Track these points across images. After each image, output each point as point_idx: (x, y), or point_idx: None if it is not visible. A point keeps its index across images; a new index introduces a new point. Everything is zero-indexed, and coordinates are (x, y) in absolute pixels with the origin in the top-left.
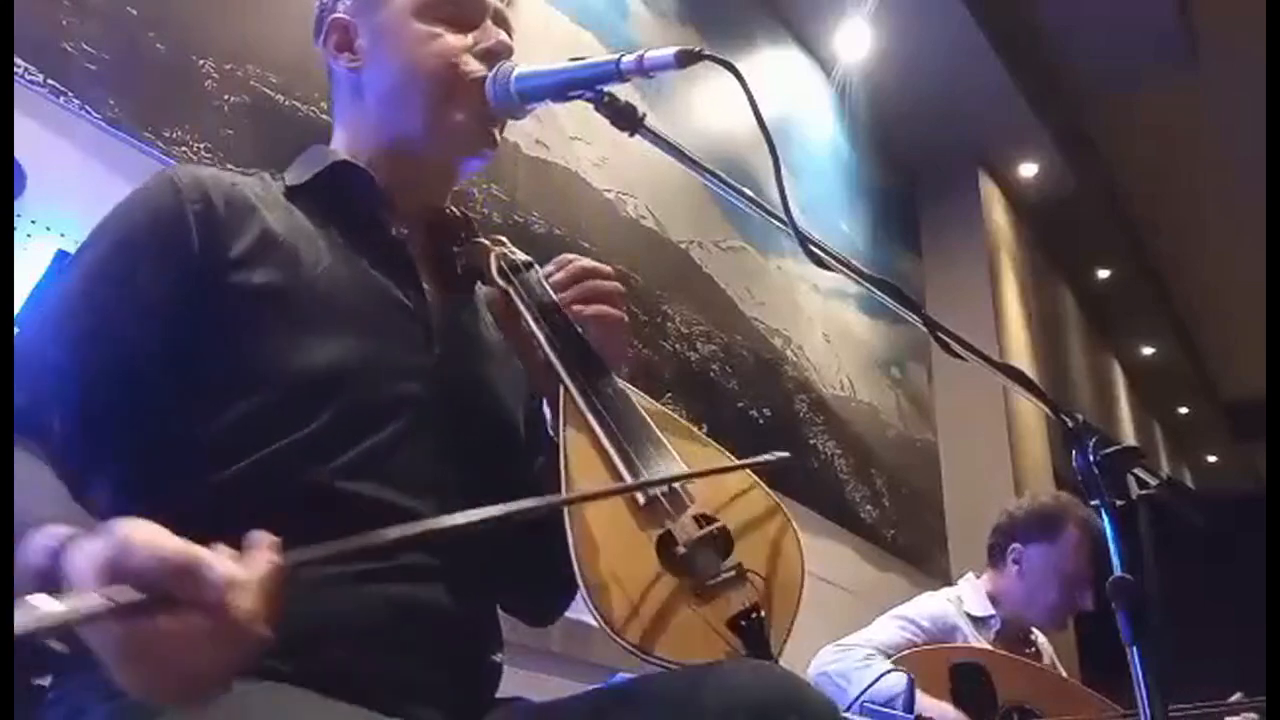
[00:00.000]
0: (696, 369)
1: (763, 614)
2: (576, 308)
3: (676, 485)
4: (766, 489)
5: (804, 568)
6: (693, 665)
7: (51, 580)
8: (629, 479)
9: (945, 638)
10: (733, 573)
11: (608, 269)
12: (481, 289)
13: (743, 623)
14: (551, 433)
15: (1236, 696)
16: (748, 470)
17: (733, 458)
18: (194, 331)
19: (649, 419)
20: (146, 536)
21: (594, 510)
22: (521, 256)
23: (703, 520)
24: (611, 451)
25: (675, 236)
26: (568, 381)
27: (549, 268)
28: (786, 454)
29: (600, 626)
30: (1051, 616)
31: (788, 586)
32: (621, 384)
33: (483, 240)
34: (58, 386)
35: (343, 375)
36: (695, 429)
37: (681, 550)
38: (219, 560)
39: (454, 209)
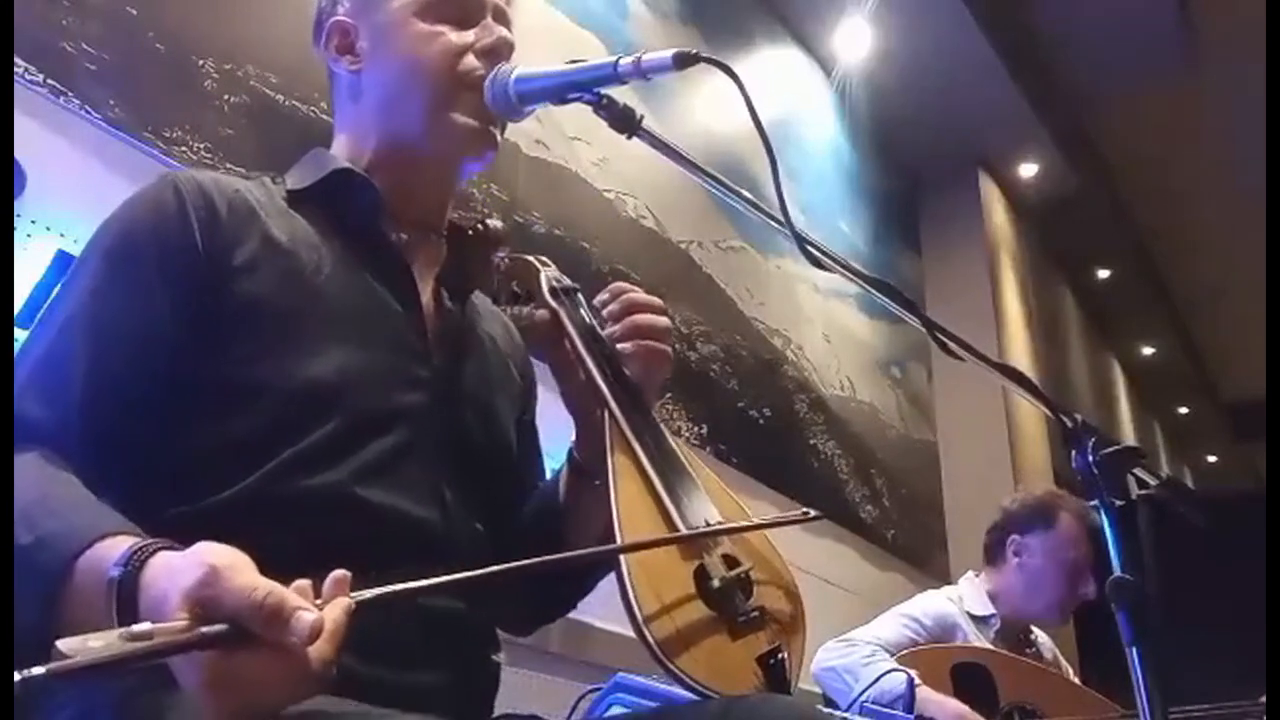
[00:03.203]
0: (696, 369)
1: (785, 655)
2: (623, 346)
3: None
4: (769, 539)
5: (805, 615)
6: (725, 696)
7: (127, 593)
8: (673, 510)
9: (947, 636)
10: (757, 613)
11: (659, 302)
12: (477, 298)
13: (770, 661)
14: (576, 453)
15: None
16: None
17: (734, 495)
18: (200, 338)
19: (679, 451)
20: (236, 570)
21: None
22: (568, 281)
23: (730, 561)
24: (656, 482)
25: (675, 236)
26: (615, 409)
27: (604, 295)
28: (820, 514)
29: (653, 649)
30: (1054, 608)
31: (799, 631)
32: (653, 414)
33: (530, 259)
34: (74, 399)
35: (347, 384)
36: (699, 461)
37: (717, 585)
38: (305, 607)
39: (490, 223)
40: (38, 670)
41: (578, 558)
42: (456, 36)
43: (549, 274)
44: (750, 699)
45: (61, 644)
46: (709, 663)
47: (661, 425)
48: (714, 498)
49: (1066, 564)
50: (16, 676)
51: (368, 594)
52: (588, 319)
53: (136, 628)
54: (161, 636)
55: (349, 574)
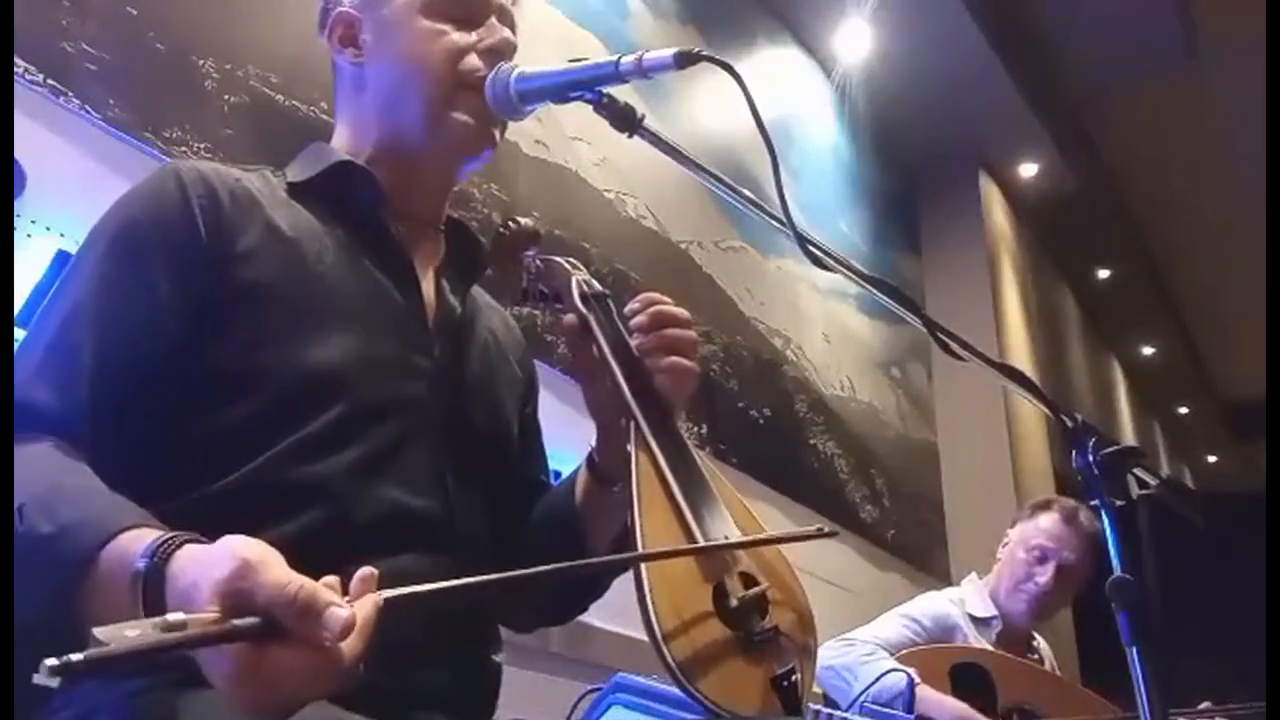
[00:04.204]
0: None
1: (798, 677)
2: (651, 360)
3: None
4: (785, 556)
5: (817, 634)
6: (737, 717)
7: (153, 585)
8: (695, 527)
9: (946, 637)
10: (772, 633)
11: (685, 315)
12: (476, 293)
13: (784, 683)
14: (596, 457)
15: (1205, 705)
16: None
17: (753, 511)
18: (202, 326)
19: (702, 467)
20: (267, 564)
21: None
22: (599, 286)
23: (748, 579)
24: (678, 495)
25: (675, 236)
26: (640, 419)
27: (634, 305)
28: (835, 530)
29: (670, 668)
30: (1015, 595)
31: (810, 653)
32: (678, 427)
33: (562, 261)
34: (82, 388)
35: (347, 373)
36: (721, 476)
37: (735, 604)
38: (338, 602)
39: (523, 221)
40: (76, 657)
41: (599, 564)
42: (459, 36)
43: (580, 278)
44: None
45: (98, 632)
46: (723, 682)
47: (686, 438)
48: (734, 513)
49: (1032, 550)
50: (54, 662)
51: (396, 592)
52: (617, 326)
53: (170, 617)
54: (195, 628)
55: (375, 571)
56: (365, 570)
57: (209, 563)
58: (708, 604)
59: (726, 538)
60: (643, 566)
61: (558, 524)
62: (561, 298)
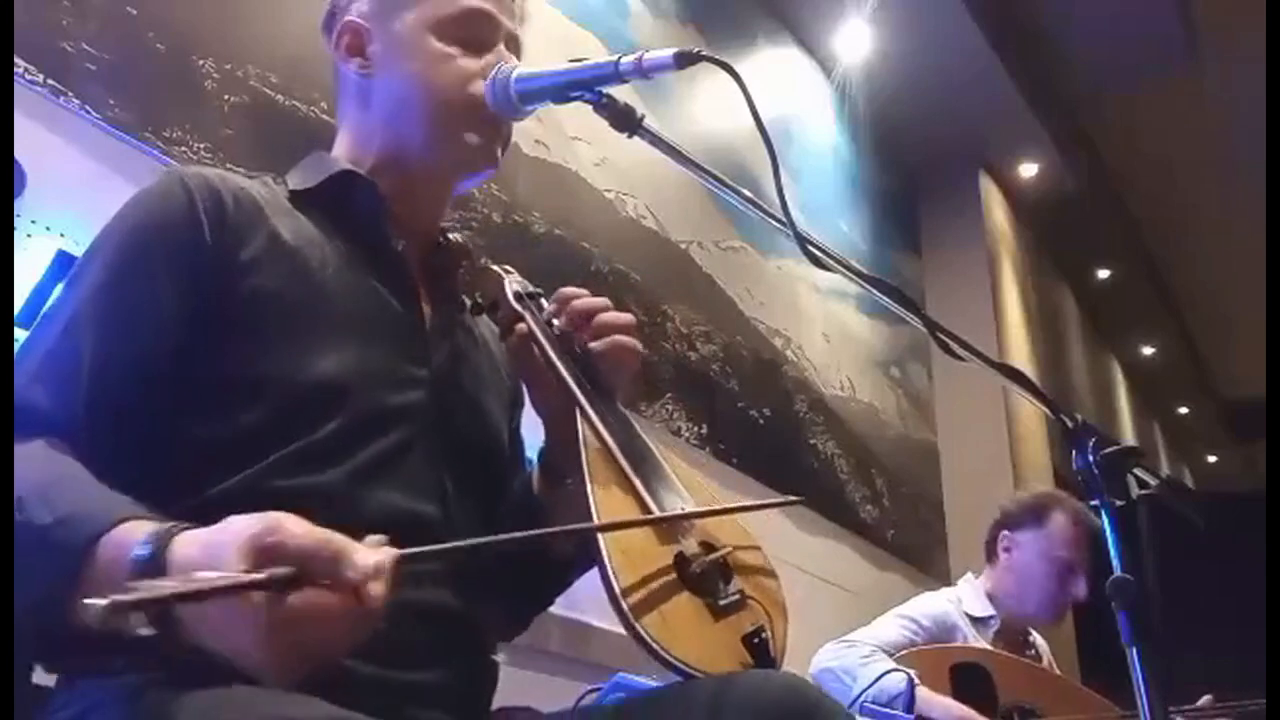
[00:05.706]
0: (696, 369)
1: (768, 635)
2: (595, 345)
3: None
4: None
5: (784, 595)
6: (716, 675)
7: (153, 572)
8: (649, 501)
9: (945, 637)
10: (737, 596)
11: (606, 301)
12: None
13: (754, 641)
14: (547, 454)
15: (1206, 699)
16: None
17: (708, 486)
18: (206, 333)
19: (652, 446)
20: (292, 520)
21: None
22: (532, 287)
23: (707, 546)
24: (631, 474)
25: (675, 236)
26: (586, 406)
27: (552, 307)
28: (801, 498)
29: (640, 636)
30: (1045, 606)
31: (779, 612)
32: (624, 411)
33: (494, 268)
34: (81, 393)
35: (350, 382)
36: (673, 455)
37: (697, 570)
38: (362, 549)
39: (452, 237)
40: (124, 596)
41: (562, 531)
42: (468, 62)
43: (511, 280)
44: (745, 678)
45: (134, 585)
46: (696, 645)
47: (634, 422)
48: (689, 488)
49: (1056, 562)
50: (102, 601)
51: (410, 551)
52: (554, 322)
53: (199, 575)
54: (230, 576)
55: (386, 536)
56: (377, 535)
57: (230, 531)
58: (670, 573)
59: (682, 508)
60: (602, 545)
61: (521, 520)
62: (499, 304)
